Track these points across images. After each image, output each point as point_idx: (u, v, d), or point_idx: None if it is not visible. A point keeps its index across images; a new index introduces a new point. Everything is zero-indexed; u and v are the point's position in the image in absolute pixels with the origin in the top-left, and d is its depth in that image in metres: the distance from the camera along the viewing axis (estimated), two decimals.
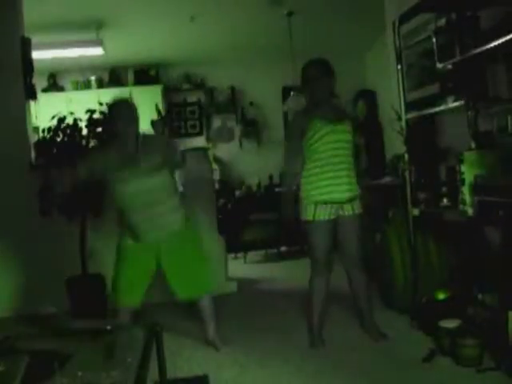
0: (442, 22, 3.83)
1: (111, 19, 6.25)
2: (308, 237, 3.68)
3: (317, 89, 3.65)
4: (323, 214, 3.58)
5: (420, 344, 3.48)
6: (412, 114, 4.14)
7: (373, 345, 3.62)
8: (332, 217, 3.60)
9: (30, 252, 4.78)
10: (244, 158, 8.67)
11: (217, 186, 7.59)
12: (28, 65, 4.92)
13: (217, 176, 8.03)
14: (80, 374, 2.01)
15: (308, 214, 3.60)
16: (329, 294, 3.77)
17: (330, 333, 3.85)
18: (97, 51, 6.67)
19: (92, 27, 6.31)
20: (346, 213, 3.63)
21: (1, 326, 4.27)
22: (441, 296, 3.73)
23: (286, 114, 8.29)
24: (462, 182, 3.44)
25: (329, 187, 3.56)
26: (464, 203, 3.45)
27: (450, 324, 3.32)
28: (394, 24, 4.07)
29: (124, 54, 7.66)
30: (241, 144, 8.70)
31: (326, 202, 3.57)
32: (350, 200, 3.62)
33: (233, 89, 8.54)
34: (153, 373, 2.28)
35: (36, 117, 6.33)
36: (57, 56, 6.76)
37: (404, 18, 3.96)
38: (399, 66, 4.03)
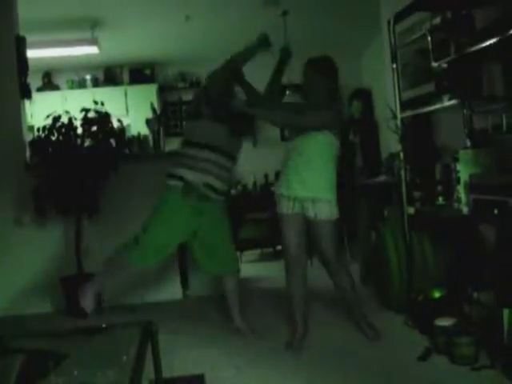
0: (437, 20, 3.84)
1: (106, 18, 6.24)
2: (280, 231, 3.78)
3: (310, 89, 3.67)
4: (286, 208, 3.65)
5: (415, 343, 3.48)
6: (407, 113, 4.15)
7: (367, 344, 3.61)
8: (295, 211, 3.63)
9: (24, 251, 4.77)
10: (240, 157, 8.66)
11: None
12: (23, 64, 4.90)
13: None
14: (75, 373, 2.01)
15: (277, 205, 3.73)
16: (307, 291, 3.80)
17: (320, 333, 3.85)
18: (92, 50, 6.66)
19: (87, 26, 6.30)
20: (308, 214, 3.63)
21: None
22: (436, 294, 3.74)
23: None
24: (458, 180, 3.45)
25: (286, 182, 3.65)
26: (459, 201, 3.46)
27: (445, 322, 3.33)
28: (389, 23, 4.07)
29: (119, 52, 7.65)
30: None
31: (283, 196, 3.65)
32: (305, 200, 3.61)
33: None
34: (148, 372, 2.29)
35: (31, 116, 6.32)
36: (52, 55, 6.75)
37: (399, 16, 3.97)
38: (394, 65, 4.03)
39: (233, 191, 8.15)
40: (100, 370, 2.07)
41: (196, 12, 6.21)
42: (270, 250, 7.36)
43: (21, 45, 4.92)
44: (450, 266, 3.93)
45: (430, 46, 3.82)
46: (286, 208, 3.65)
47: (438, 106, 3.82)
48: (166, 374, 2.69)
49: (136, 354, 2.06)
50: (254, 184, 8.49)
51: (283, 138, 8.38)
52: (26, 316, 4.65)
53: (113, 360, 2.15)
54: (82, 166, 4.39)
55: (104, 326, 2.49)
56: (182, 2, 5.91)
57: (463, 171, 3.41)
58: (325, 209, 3.61)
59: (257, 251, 7.44)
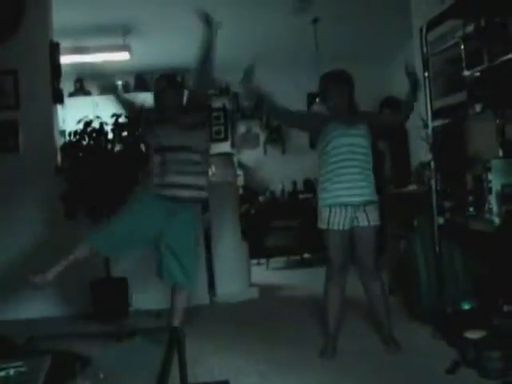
0: (470, 28, 3.79)
1: (138, 25, 6.31)
2: (324, 244, 3.68)
3: (336, 97, 3.67)
4: (337, 223, 3.56)
5: (443, 355, 3.41)
6: (438, 122, 4.10)
7: (394, 356, 3.56)
8: (346, 227, 3.57)
9: (55, 254, 4.81)
10: (268, 164, 8.67)
11: (240, 191, 7.59)
12: (56, 69, 4.98)
13: (241, 181, 8.04)
14: (101, 376, 2.03)
15: (323, 221, 3.61)
16: (344, 303, 3.74)
17: (348, 343, 3.81)
18: (124, 56, 6.73)
19: (119, 32, 6.37)
20: (361, 224, 3.60)
21: (23, 327, 4.31)
22: (466, 306, 3.68)
23: None
24: (489, 190, 3.39)
25: (342, 190, 3.54)
26: (491, 212, 3.40)
27: (474, 335, 3.26)
28: (421, 30, 4.04)
29: (150, 59, 7.71)
30: (265, 150, 8.71)
31: (340, 205, 3.54)
32: (365, 205, 3.58)
33: (258, 95, 8.54)
34: (173, 377, 2.29)
35: (63, 120, 6.40)
36: (84, 61, 6.84)
37: (431, 24, 3.93)
38: (426, 73, 3.99)
39: (261, 198, 8.16)
40: (126, 374, 2.08)
41: (226, 19, 6.22)
42: (297, 257, 7.34)
43: (54, 51, 5.00)
44: (480, 277, 3.87)
45: (463, 55, 3.78)
46: (337, 224, 3.57)
47: (469, 115, 3.77)
48: (191, 379, 2.70)
49: (162, 359, 2.07)
50: (282, 191, 8.48)
51: (312, 146, 8.36)
52: (55, 318, 4.70)
53: (139, 365, 2.16)
54: (111, 170, 4.43)
55: (132, 330, 2.50)
56: (213, 9, 5.94)
57: (495, 181, 3.35)
58: (376, 213, 3.65)
59: (283, 258, 7.42)
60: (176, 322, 3.72)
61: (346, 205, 3.54)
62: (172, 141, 3.73)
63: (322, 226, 3.62)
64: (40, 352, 2.15)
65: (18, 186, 4.80)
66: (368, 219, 3.60)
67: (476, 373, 3.13)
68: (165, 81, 4.07)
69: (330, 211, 3.56)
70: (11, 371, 1.99)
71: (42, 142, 4.88)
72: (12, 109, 4.83)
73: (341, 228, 3.57)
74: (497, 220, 3.32)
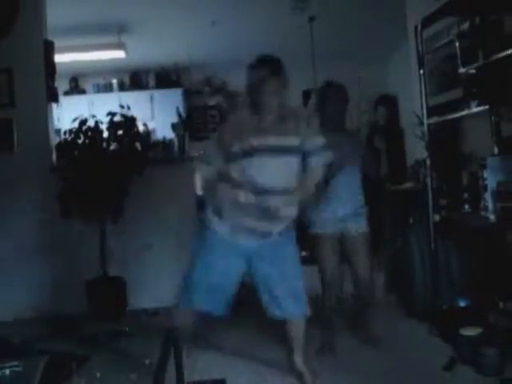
0: (465, 26, 3.79)
1: (133, 23, 6.30)
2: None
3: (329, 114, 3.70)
4: (327, 227, 3.59)
5: (440, 352, 3.43)
6: (434, 119, 4.10)
7: (390, 353, 3.54)
8: (336, 230, 3.60)
9: (49, 253, 4.81)
10: None
11: None
12: (50, 68, 4.96)
13: None
14: (98, 375, 2.02)
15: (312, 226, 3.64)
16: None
17: (344, 341, 3.81)
18: (119, 54, 6.72)
19: (114, 31, 6.36)
20: (351, 232, 3.61)
21: (20, 327, 4.30)
22: (462, 303, 3.68)
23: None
24: (485, 187, 3.40)
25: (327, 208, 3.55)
26: (486, 209, 3.40)
27: (470, 332, 3.27)
28: (416, 28, 4.04)
29: (145, 57, 7.71)
30: None
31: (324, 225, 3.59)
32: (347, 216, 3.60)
33: None
34: (170, 377, 2.29)
35: (58, 119, 6.39)
36: (79, 59, 6.83)
37: (426, 22, 3.93)
38: (421, 71, 4.00)
39: None
40: (122, 374, 2.07)
41: (222, 17, 6.23)
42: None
43: (49, 49, 4.98)
44: (476, 274, 3.88)
45: (458, 52, 3.78)
46: (327, 227, 3.59)
47: (465, 112, 3.77)
48: (188, 378, 2.70)
49: (158, 358, 2.07)
50: None
51: None
52: (50, 317, 4.69)
53: (135, 364, 2.16)
54: (107, 169, 4.41)
55: (127, 330, 2.50)
56: (209, 8, 5.94)
57: (490, 178, 3.36)
58: (364, 222, 3.65)
59: None
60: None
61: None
62: None
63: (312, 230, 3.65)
64: (36, 352, 2.14)
65: (12, 184, 4.78)
66: (356, 227, 3.63)
67: (472, 369, 3.15)
68: (267, 67, 3.04)
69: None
70: (7, 371, 1.99)
71: (36, 140, 4.86)
72: (7, 107, 4.81)
73: (330, 231, 3.60)
74: (492, 217, 3.34)
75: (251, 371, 3.45)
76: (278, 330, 4.09)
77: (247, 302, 3.53)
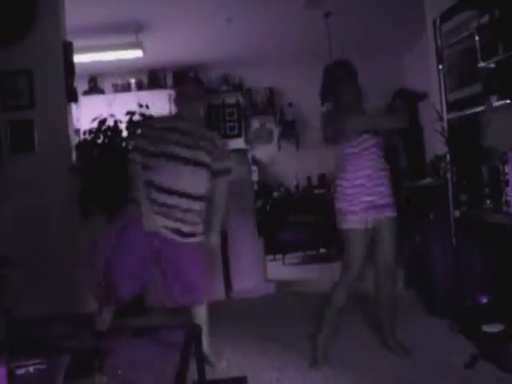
0: (485, 19, 3.76)
1: (150, 22, 6.32)
2: (344, 245, 3.46)
3: (343, 92, 3.52)
4: (359, 222, 3.35)
5: (461, 349, 3.40)
6: (454, 114, 4.07)
7: (412, 350, 3.51)
8: (369, 226, 3.37)
9: (70, 252, 4.85)
10: (282, 159, 8.66)
11: (255, 187, 7.60)
12: (69, 68, 5.01)
13: (255, 177, 8.04)
14: (119, 372, 2.04)
15: (343, 222, 3.41)
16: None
17: (361, 337, 3.82)
18: (137, 54, 6.75)
19: (132, 30, 6.39)
20: (383, 216, 3.43)
21: (41, 325, 4.34)
22: (483, 300, 3.65)
23: None
24: (506, 182, 3.37)
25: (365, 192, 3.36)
26: (508, 205, 3.37)
27: (493, 329, 3.25)
28: (434, 23, 4.01)
29: (163, 56, 7.73)
30: (279, 145, 8.69)
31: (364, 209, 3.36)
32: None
33: (271, 90, 8.54)
34: (192, 374, 2.30)
35: (77, 119, 6.44)
36: (97, 59, 6.87)
37: (445, 15, 3.90)
38: (440, 66, 3.97)
39: (275, 193, 8.16)
40: (144, 371, 2.09)
41: (238, 14, 6.23)
42: (313, 252, 7.34)
43: (68, 50, 5.03)
44: (498, 270, 3.84)
45: (478, 46, 3.75)
46: (360, 223, 3.36)
47: (485, 107, 3.74)
48: (209, 375, 2.72)
49: (180, 355, 2.08)
50: (297, 186, 8.47)
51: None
52: (73, 315, 4.73)
53: (157, 361, 2.17)
54: (126, 168, 4.44)
55: (149, 326, 2.52)
56: (224, 5, 5.95)
57: None
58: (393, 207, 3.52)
59: (299, 254, 7.42)
60: None
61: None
62: None
63: (342, 226, 3.41)
64: (58, 350, 2.17)
65: (33, 184, 4.83)
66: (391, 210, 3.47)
67: (494, 366, 3.11)
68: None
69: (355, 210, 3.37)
70: (31, 368, 2.01)
71: (56, 140, 4.91)
72: (27, 108, 4.87)
73: (363, 226, 3.36)
74: None
75: (271, 367, 3.46)
76: (295, 326, 4.11)
77: None
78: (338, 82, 3.53)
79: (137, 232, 3.30)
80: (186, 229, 3.39)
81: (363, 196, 3.36)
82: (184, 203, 3.35)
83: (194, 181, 3.40)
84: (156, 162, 3.37)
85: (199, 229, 3.49)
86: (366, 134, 3.38)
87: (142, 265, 3.37)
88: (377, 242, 3.50)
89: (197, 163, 3.39)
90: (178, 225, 3.35)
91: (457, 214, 3.87)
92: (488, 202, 3.71)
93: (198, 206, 3.43)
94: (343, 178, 3.44)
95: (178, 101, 3.68)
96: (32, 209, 4.84)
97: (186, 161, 3.36)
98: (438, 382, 3.08)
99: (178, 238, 3.37)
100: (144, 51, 6.74)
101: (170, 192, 3.32)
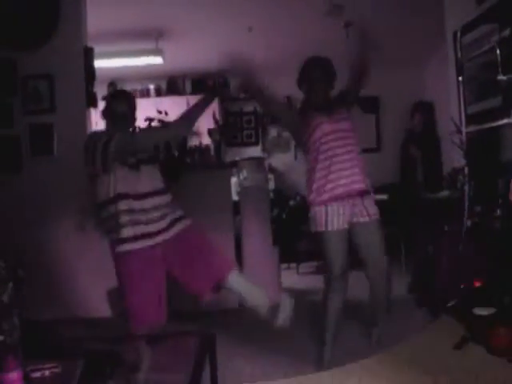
0: (506, 33, 3.73)
1: (171, 29, 6.36)
2: (322, 249, 3.45)
3: (314, 91, 3.58)
4: (336, 223, 3.33)
5: (452, 331, 3.42)
6: (472, 127, 4.05)
7: (403, 332, 3.58)
8: (345, 225, 3.35)
9: (86, 255, 4.87)
10: (299, 168, 8.61)
11: (271, 195, 7.59)
12: (90, 74, 5.05)
13: (271, 185, 8.04)
14: (132, 377, 2.05)
15: (318, 223, 3.40)
16: (343, 312, 3.56)
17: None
18: (156, 60, 6.79)
19: (152, 37, 6.43)
20: (361, 219, 3.37)
21: (57, 328, 4.36)
22: (476, 283, 3.62)
23: None
24: None
25: (336, 181, 3.32)
26: None
27: (484, 312, 3.23)
28: (455, 35, 4.00)
29: (182, 63, 7.77)
30: (296, 155, 8.68)
31: (336, 200, 3.32)
32: (362, 196, 3.38)
33: (289, 98, 8.54)
34: (205, 380, 2.30)
35: (96, 124, 6.49)
36: (117, 65, 6.92)
37: (466, 28, 3.89)
38: (460, 78, 3.95)
39: (291, 202, 8.14)
40: (158, 377, 2.09)
41: (258, 23, 6.25)
42: None
43: (89, 55, 5.07)
44: (492, 255, 3.77)
45: (499, 59, 3.72)
46: (336, 223, 3.33)
47: (505, 120, 3.72)
48: (221, 383, 2.71)
49: (194, 362, 2.08)
50: None
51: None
52: (88, 319, 4.75)
53: (171, 367, 2.17)
54: None
55: (164, 333, 2.52)
56: (245, 14, 5.97)
57: None
58: (374, 207, 3.43)
59: (314, 263, 7.38)
60: None
61: (343, 198, 3.33)
62: None
63: (318, 228, 3.40)
64: (73, 353, 2.17)
65: (51, 187, 4.87)
66: (368, 213, 3.38)
67: (484, 349, 3.12)
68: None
69: (327, 210, 3.34)
70: (46, 372, 2.02)
71: (75, 145, 4.93)
72: (47, 112, 4.91)
73: (340, 228, 3.34)
74: None
75: (282, 376, 3.46)
76: (305, 333, 4.12)
77: None
78: (310, 81, 3.60)
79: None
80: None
81: None
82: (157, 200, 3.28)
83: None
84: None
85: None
86: None
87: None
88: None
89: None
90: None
91: (468, 223, 3.84)
92: (499, 211, 3.68)
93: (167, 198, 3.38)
94: None
95: (107, 117, 3.63)
96: (49, 211, 4.88)
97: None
98: (426, 360, 3.08)
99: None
100: (164, 58, 6.78)
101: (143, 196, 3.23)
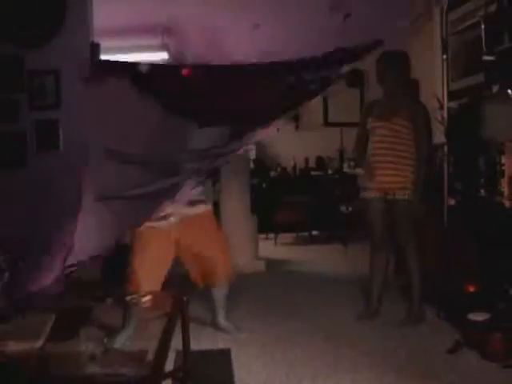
0: (493, 8, 3.69)
1: (176, 25, 6.32)
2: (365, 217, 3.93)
3: (384, 81, 3.87)
4: (374, 193, 3.81)
5: (446, 335, 3.42)
6: (454, 104, 4.04)
7: (397, 334, 3.56)
8: (381, 195, 3.78)
9: None
10: (281, 140, 8.60)
11: (252, 165, 7.55)
12: None
13: (252, 155, 7.99)
14: (105, 340, 2.05)
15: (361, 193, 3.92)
16: (388, 273, 4.00)
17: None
18: (162, 56, 6.77)
19: (158, 32, 6.40)
20: (397, 197, 3.73)
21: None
22: (471, 288, 3.65)
23: (325, 99, 8.15)
24: (502, 173, 3.35)
25: (377, 177, 3.77)
26: (502, 195, 3.36)
27: (478, 317, 3.25)
28: (441, 10, 3.96)
29: (188, 59, 7.71)
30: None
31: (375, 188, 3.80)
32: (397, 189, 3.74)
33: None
34: (177, 344, 2.31)
35: None
36: (123, 60, 6.87)
37: (453, 4, 3.85)
38: (444, 56, 3.92)
39: (272, 173, 8.13)
40: (128, 338, 2.09)
41: (263, 20, 6.23)
42: (305, 234, 7.33)
43: (95, 51, 5.01)
44: (487, 259, 3.82)
45: (483, 35, 3.69)
46: (374, 193, 3.82)
47: (486, 96, 3.70)
48: (194, 346, 2.71)
49: (166, 323, 2.08)
50: (294, 167, 8.42)
51: (326, 123, 8.31)
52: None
53: (142, 328, 2.17)
54: None
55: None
56: (252, 10, 5.95)
57: (508, 164, 3.31)
58: (409, 192, 3.79)
59: (292, 235, 7.41)
60: None
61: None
62: None
63: (361, 196, 3.91)
64: (43, 309, 2.16)
65: (57, 182, 4.84)
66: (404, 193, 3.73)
67: (478, 354, 3.12)
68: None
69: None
70: None
71: (81, 140, 4.89)
72: (53, 108, 4.86)
73: (377, 195, 3.79)
74: (507, 203, 3.29)
75: (257, 342, 3.47)
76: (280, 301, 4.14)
77: None
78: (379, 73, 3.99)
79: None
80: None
81: None
82: None
83: None
84: None
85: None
86: None
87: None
88: None
89: None
90: None
91: (451, 202, 3.85)
92: (482, 191, 3.69)
93: None
94: None
95: None
96: (54, 207, 4.84)
97: None
98: (419, 364, 3.08)
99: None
100: (169, 53, 6.75)
101: None
